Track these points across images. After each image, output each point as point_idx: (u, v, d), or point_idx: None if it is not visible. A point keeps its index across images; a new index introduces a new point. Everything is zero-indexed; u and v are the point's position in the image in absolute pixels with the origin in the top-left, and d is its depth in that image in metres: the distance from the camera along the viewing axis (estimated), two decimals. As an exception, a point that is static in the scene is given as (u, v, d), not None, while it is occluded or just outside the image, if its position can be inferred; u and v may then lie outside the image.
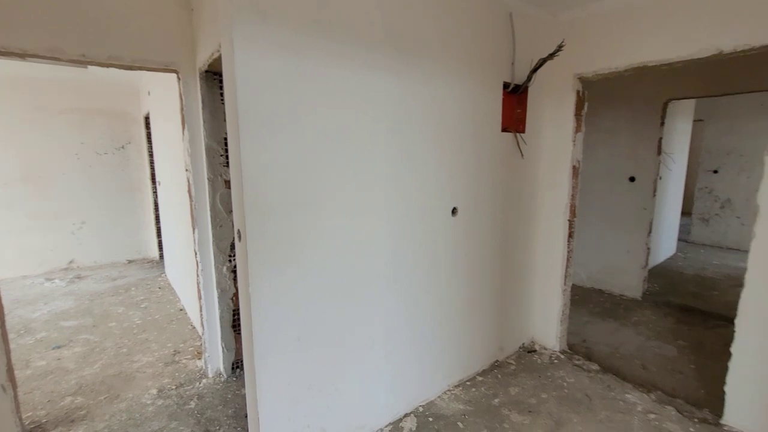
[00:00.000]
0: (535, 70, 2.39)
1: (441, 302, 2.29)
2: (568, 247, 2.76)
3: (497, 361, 2.74)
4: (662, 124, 3.70)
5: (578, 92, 2.59)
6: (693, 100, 5.10)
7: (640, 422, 2.13)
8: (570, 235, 2.75)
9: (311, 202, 1.68)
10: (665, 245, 5.28)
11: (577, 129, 2.63)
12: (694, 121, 5.50)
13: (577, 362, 2.74)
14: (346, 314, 1.86)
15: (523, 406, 2.29)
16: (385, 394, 2.10)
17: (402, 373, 2.16)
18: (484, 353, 2.63)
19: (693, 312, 3.65)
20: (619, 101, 3.87)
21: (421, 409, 2.25)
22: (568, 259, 2.78)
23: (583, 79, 2.56)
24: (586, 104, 2.64)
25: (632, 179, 3.92)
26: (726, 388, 2.09)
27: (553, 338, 2.88)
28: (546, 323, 2.91)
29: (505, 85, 2.41)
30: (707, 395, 2.38)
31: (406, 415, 2.19)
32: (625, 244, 4.02)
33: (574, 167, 2.67)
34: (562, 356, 2.81)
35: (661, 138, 3.73)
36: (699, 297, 4.03)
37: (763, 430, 1.97)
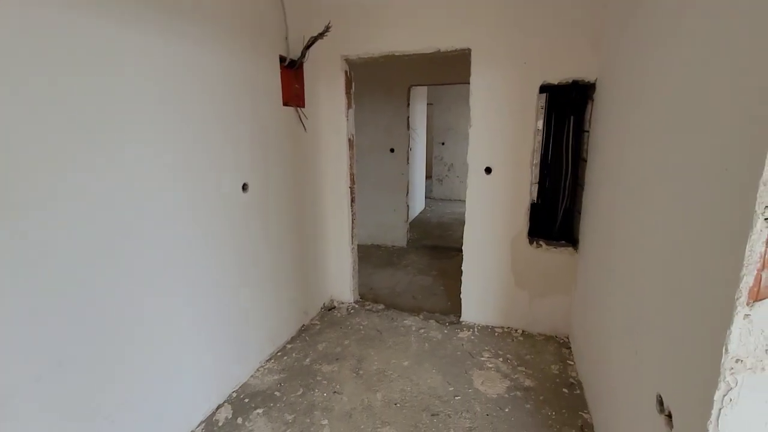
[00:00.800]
0: (307, 47, 2.51)
1: (244, 281, 2.22)
2: (352, 211, 3.15)
3: (303, 325, 2.92)
4: (408, 105, 4.60)
5: (346, 72, 2.90)
6: (426, 87, 6.50)
7: (415, 338, 2.76)
8: (352, 201, 3.13)
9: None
10: (418, 202, 6.70)
11: (348, 105, 2.96)
12: (428, 104, 7.06)
13: (368, 307, 3.23)
14: (122, 316, 1.56)
15: (331, 356, 2.56)
16: (192, 393, 1.92)
17: (209, 366, 2.01)
18: (291, 321, 2.74)
19: (439, 249, 4.87)
20: (379, 84, 4.54)
21: (234, 394, 2.18)
22: (352, 222, 3.17)
23: (348, 61, 2.88)
24: (353, 84, 2.99)
25: (392, 150, 4.75)
26: (462, 297, 2.95)
27: (348, 293, 3.28)
28: (341, 281, 3.27)
29: (282, 59, 2.44)
30: (452, 306, 3.28)
31: (219, 406, 2.08)
32: (392, 204, 4.88)
33: (349, 140, 3.02)
34: (357, 306, 3.26)
35: (408, 117, 4.63)
36: (442, 237, 5.40)
37: (481, 319, 2.91)
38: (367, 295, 3.49)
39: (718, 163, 0.95)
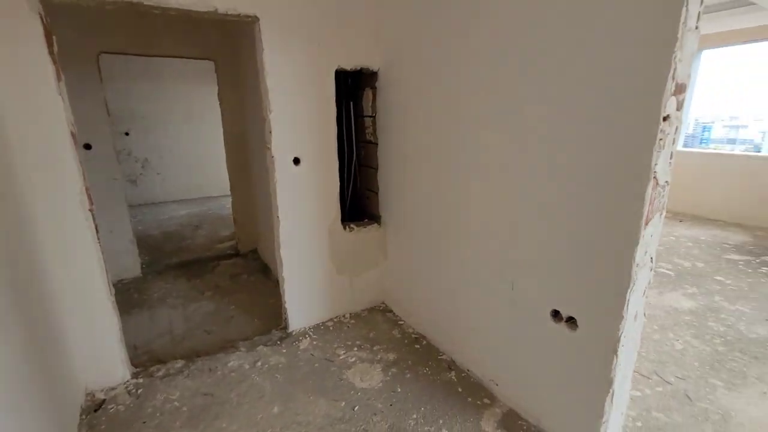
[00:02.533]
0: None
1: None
2: (100, 245, 2.00)
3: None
4: (101, 81, 3.24)
5: (42, 18, 1.68)
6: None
7: (259, 375, 2.22)
8: (97, 230, 1.98)
9: None
10: (122, 214, 5.02)
11: (58, 76, 1.77)
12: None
13: (160, 374, 2.25)
14: None
15: (165, 469, 1.65)
16: None
17: None
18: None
19: (189, 264, 3.95)
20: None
21: None
22: (104, 262, 2.02)
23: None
24: (55, 39, 1.78)
25: (88, 147, 3.27)
26: (287, 305, 2.61)
27: (118, 368, 2.13)
28: (100, 356, 2.07)
29: None
30: (262, 320, 2.84)
31: None
32: (107, 224, 3.43)
33: (72, 134, 1.83)
34: (140, 380, 2.19)
35: (105, 97, 3.29)
36: (183, 250, 4.38)
37: (311, 320, 2.71)
38: (139, 361, 2.40)
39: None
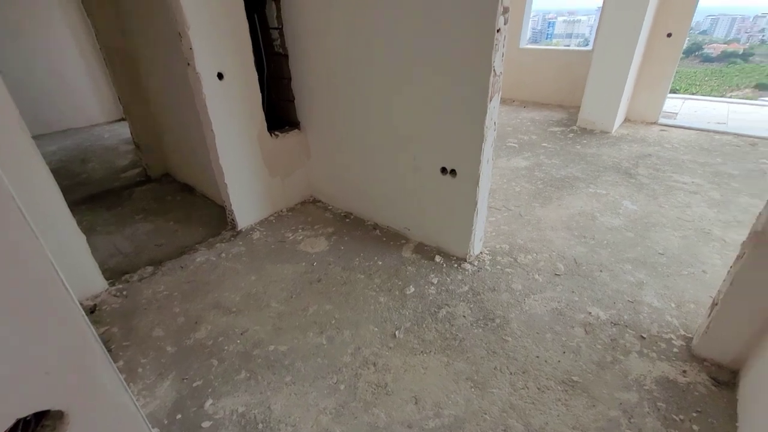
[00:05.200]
0: None
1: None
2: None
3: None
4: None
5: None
6: None
7: (228, 260, 2.74)
8: (42, 157, 2.08)
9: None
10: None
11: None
12: None
13: (138, 277, 2.60)
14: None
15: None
16: None
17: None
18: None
19: (99, 196, 3.88)
20: None
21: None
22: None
23: None
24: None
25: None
26: (233, 207, 3.04)
27: (95, 276, 2.42)
28: (75, 274, 2.33)
29: None
30: (208, 228, 3.23)
31: None
32: None
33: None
34: (117, 287, 2.53)
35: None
36: (83, 184, 4.16)
37: (255, 217, 3.21)
38: (106, 276, 2.67)
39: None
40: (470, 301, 2.32)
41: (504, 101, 6.75)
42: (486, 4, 1.91)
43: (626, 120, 5.61)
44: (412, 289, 2.42)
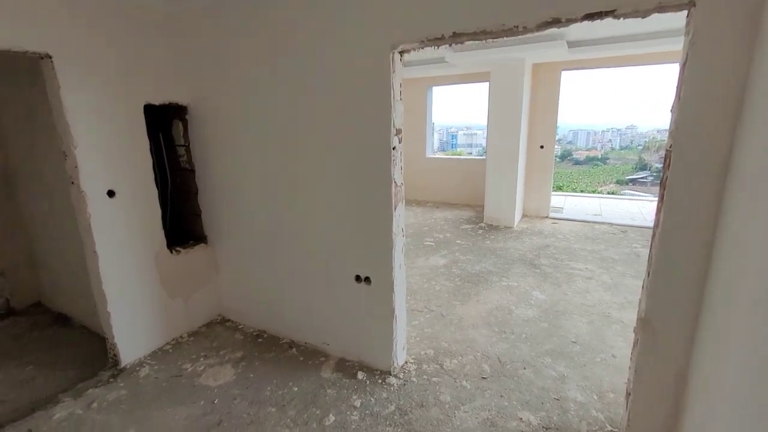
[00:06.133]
0: None
1: None
2: None
3: None
4: None
5: None
6: None
7: (101, 416, 2.18)
8: None
9: None
10: None
11: None
12: None
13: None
14: None
15: None
16: None
17: None
18: None
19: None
20: None
21: None
22: None
23: None
24: None
25: None
26: (115, 339, 2.55)
27: None
28: None
29: None
30: (80, 369, 2.64)
31: None
32: None
33: None
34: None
35: None
36: None
37: (146, 348, 2.71)
38: None
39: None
40: (397, 425, 2.06)
41: (419, 203, 7.29)
42: (382, 127, 2.11)
43: (524, 215, 6.33)
44: (333, 419, 2.10)
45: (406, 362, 2.57)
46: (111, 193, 2.44)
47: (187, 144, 2.95)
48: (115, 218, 2.48)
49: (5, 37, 1.91)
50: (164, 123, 3.00)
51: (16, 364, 2.72)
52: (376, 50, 2.05)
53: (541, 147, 6.16)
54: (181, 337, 2.95)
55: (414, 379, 2.41)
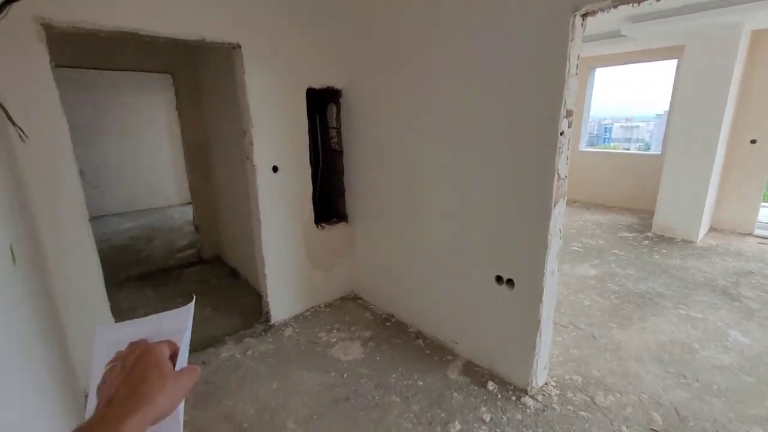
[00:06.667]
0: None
1: None
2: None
3: None
4: (56, 93, 3.23)
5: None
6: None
7: (252, 361, 2.49)
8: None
9: None
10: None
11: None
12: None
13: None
14: None
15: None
16: None
17: None
18: None
19: (151, 275, 3.98)
20: None
21: None
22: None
23: (50, 26, 1.84)
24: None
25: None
26: (269, 299, 2.89)
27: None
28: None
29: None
30: (242, 318, 3.07)
31: None
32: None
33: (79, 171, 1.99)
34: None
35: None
36: (142, 261, 4.35)
37: (290, 311, 3.01)
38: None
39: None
40: (534, 456, 1.78)
41: (567, 201, 6.42)
42: (550, 107, 1.78)
43: (712, 229, 4.96)
44: (458, 427, 1.94)
45: (546, 384, 2.22)
46: (275, 169, 2.72)
47: (338, 126, 3.10)
48: (276, 191, 2.76)
49: (208, 30, 2.24)
50: (320, 106, 3.21)
51: (201, 304, 3.33)
52: (552, 13, 1.72)
53: (753, 142, 4.67)
54: (319, 306, 3.19)
55: (556, 407, 2.05)
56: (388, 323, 2.93)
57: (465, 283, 2.37)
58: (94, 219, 6.24)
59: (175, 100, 3.90)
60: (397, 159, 2.66)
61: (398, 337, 2.74)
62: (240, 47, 2.39)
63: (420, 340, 2.69)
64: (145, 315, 0.53)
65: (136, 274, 3.99)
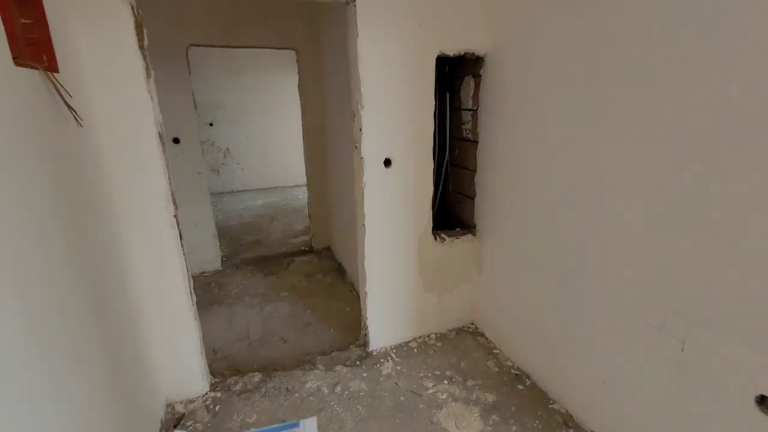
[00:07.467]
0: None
1: None
2: (184, 253, 1.88)
3: (149, 483, 1.58)
4: (190, 73, 3.22)
5: (133, 8, 1.54)
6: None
7: (339, 404, 2.00)
8: (180, 237, 1.86)
9: None
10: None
11: (148, 72, 1.63)
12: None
13: (236, 388, 2.12)
14: None
15: None
16: None
17: None
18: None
19: (266, 259, 3.90)
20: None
21: None
22: (187, 270, 1.91)
23: (133, -16, 1.52)
24: (146, 32, 1.64)
25: (176, 141, 3.29)
26: (368, 322, 2.35)
27: (198, 379, 2.03)
28: (179, 367, 1.98)
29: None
30: (339, 331, 2.63)
31: None
32: (191, 216, 3.47)
33: (159, 135, 1.70)
34: (218, 395, 2.08)
35: (193, 91, 3.27)
36: (259, 243, 4.37)
37: (392, 339, 2.43)
38: (217, 367, 2.31)
39: None
40: None
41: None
42: None
43: None
44: None
45: None
46: (387, 162, 2.11)
47: (475, 108, 2.30)
48: (387, 191, 2.15)
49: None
50: (449, 81, 2.45)
51: (303, 304, 3.03)
52: None
53: None
54: (428, 337, 2.54)
55: None
56: (520, 386, 2.10)
57: (680, 382, 1.38)
58: (233, 193, 6.77)
59: (298, 79, 3.63)
60: (561, 159, 1.75)
61: (535, 416, 1.90)
62: (354, 2, 1.79)
63: (572, 431, 1.81)
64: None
65: (252, 257, 3.97)
